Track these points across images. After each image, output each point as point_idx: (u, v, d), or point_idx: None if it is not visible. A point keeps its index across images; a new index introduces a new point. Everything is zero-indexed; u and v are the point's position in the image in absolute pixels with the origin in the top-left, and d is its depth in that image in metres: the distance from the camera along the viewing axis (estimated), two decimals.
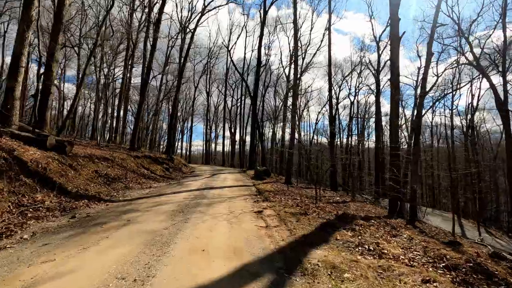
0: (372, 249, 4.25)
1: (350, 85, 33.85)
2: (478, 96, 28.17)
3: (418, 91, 26.04)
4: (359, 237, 4.85)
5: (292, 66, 31.46)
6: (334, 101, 24.15)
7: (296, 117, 14.97)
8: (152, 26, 18.76)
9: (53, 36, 12.71)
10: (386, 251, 4.16)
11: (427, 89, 16.82)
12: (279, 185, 14.17)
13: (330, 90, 18.72)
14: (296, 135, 14.49)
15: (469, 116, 28.37)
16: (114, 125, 25.09)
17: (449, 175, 14.18)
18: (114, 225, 5.07)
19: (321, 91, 75.21)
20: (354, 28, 68.50)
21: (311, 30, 38.87)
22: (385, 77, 27.89)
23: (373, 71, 28.94)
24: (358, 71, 30.77)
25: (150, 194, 9.29)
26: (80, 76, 11.69)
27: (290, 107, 32.88)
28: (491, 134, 32.76)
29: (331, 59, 19.23)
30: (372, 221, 7.46)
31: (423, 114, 20.68)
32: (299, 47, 19.43)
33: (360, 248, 4.28)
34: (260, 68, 24.47)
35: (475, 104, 27.86)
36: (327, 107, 35.72)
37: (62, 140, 8.73)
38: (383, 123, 28.29)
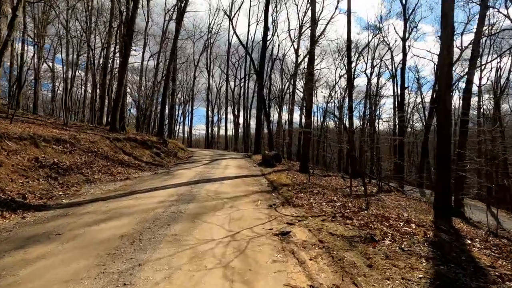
0: None
1: (367, 59, 29.89)
2: (510, 71, 23.87)
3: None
4: None
5: (302, 38, 27.66)
6: (351, 71, 20.48)
7: (313, 83, 11.60)
8: None
9: None
10: None
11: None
12: (295, 174, 11.14)
13: (349, 52, 15.20)
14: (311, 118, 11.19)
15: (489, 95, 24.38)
16: (99, 106, 21.65)
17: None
18: None
19: (329, 70, 71.65)
20: (356, 8, 64.59)
21: None
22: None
23: (389, 45, 25.17)
24: (373, 48, 27.07)
25: (117, 192, 6.31)
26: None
27: (299, 83, 29.41)
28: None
29: (351, 20, 15.57)
30: (476, 246, 4.42)
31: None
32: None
33: None
34: (267, 36, 20.79)
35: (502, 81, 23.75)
36: (337, 88, 32.23)
37: None
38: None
